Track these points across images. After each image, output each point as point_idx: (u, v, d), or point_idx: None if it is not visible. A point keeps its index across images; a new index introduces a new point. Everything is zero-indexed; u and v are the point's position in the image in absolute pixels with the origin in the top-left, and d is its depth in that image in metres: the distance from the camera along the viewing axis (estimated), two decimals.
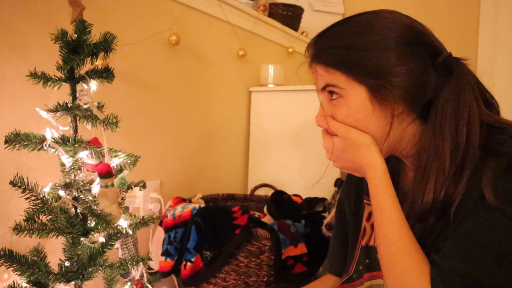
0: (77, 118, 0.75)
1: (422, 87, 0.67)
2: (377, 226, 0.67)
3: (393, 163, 0.83)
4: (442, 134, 0.65)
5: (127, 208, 0.84)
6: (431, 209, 0.64)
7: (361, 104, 0.68)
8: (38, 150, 0.73)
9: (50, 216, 0.72)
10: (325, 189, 1.36)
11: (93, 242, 0.77)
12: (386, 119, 0.68)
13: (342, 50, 0.69)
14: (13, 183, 0.69)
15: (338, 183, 1.33)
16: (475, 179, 0.62)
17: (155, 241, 1.32)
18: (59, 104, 0.73)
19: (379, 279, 0.79)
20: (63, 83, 0.74)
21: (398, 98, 0.67)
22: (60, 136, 0.74)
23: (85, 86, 0.74)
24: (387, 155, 0.74)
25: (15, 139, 0.70)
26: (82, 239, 0.75)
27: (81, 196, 0.75)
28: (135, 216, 0.82)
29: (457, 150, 0.63)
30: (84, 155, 0.75)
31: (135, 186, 0.84)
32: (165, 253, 1.25)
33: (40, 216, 0.71)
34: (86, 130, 0.77)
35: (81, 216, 0.75)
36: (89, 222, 0.75)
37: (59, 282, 0.73)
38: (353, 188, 0.90)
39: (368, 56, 0.67)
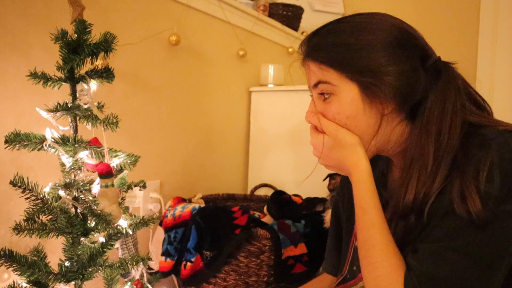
0: (77, 118, 0.75)
1: (412, 87, 0.68)
2: (359, 229, 0.68)
3: (383, 163, 0.84)
4: (427, 134, 0.66)
5: (127, 208, 0.84)
6: (412, 207, 0.65)
7: (351, 101, 0.69)
8: (38, 150, 0.73)
9: (50, 216, 0.72)
10: (325, 189, 1.36)
11: (93, 242, 0.77)
12: (376, 118, 0.69)
13: (335, 47, 0.70)
14: (13, 183, 0.69)
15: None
16: (448, 181, 0.62)
17: (155, 241, 1.32)
18: (59, 104, 0.73)
19: None
20: (63, 83, 0.74)
21: (389, 97, 0.68)
22: (60, 136, 0.74)
23: (85, 86, 0.74)
24: (375, 153, 0.74)
25: (15, 139, 0.70)
26: (82, 239, 0.75)
27: (81, 196, 0.75)
28: (135, 216, 0.82)
29: (439, 149, 0.65)
30: (84, 155, 0.75)
31: (135, 186, 0.84)
32: (165, 253, 1.25)
33: (40, 216, 0.71)
34: (86, 130, 0.77)
35: (81, 216, 0.75)
36: (89, 222, 0.75)
37: (59, 282, 0.73)
38: (347, 190, 0.90)
39: (360, 55, 0.68)
